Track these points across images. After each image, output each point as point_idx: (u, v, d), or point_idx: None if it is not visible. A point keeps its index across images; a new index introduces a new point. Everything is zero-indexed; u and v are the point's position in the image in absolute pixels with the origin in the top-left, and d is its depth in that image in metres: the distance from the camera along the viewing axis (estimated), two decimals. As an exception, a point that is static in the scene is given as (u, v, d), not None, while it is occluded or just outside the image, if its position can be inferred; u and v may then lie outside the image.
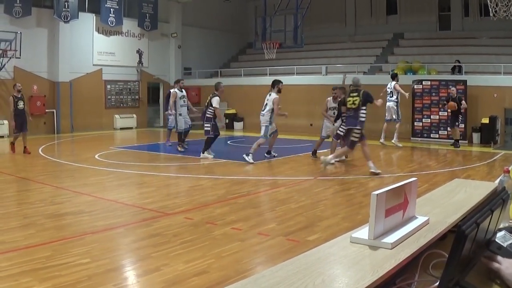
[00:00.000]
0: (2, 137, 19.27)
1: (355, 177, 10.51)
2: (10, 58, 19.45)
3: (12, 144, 14.72)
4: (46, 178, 10.41)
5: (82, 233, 6.13)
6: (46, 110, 21.29)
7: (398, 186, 2.13)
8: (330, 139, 13.19)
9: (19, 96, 14.37)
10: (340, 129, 11.57)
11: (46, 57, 21.47)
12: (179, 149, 14.86)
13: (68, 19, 21.46)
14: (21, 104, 14.28)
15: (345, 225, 6.44)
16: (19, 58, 19.77)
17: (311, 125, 20.38)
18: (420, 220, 2.30)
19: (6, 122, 19.70)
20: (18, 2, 19.89)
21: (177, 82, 15.71)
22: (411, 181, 2.25)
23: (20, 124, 14.22)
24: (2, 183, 9.84)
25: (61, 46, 21.52)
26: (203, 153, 13.27)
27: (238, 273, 4.68)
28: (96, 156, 13.71)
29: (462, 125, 17.48)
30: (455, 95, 16.37)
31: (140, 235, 6.22)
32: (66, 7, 21.26)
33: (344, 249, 1.98)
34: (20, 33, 19.51)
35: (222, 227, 6.43)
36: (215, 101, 12.96)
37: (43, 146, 16.14)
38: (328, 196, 8.77)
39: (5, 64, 19.68)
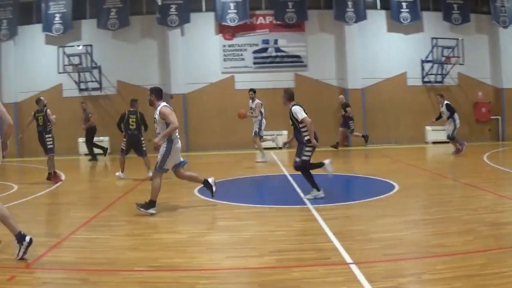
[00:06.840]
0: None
1: None
2: (454, 64, 20.23)
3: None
4: (490, 186, 10.28)
5: (519, 244, 5.87)
6: (491, 117, 21.30)
7: None
8: None
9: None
10: None
11: (489, 63, 21.45)
12: None
13: (506, 24, 20.88)
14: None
15: None
16: (462, 64, 20.33)
17: None
18: None
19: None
20: (456, 9, 20.58)
21: None
22: None
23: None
24: (446, 188, 10.27)
25: (503, 52, 21.18)
26: None
27: None
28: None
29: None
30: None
31: None
32: (503, 12, 20.77)
33: None
34: (462, 39, 20.02)
35: None
36: None
37: (488, 153, 16.10)
38: None
39: (449, 71, 20.62)
